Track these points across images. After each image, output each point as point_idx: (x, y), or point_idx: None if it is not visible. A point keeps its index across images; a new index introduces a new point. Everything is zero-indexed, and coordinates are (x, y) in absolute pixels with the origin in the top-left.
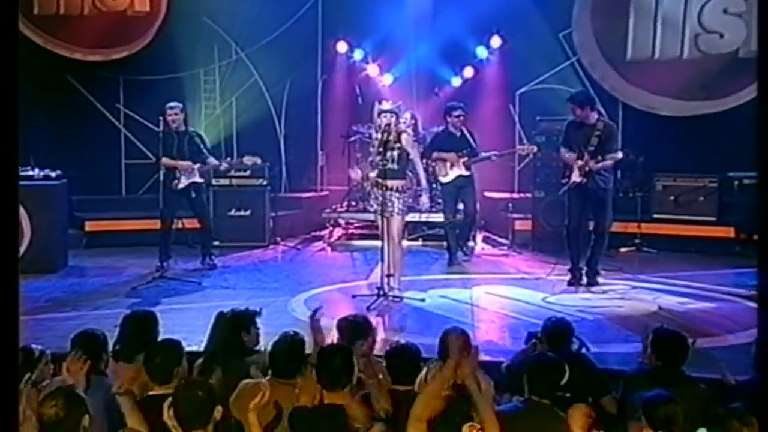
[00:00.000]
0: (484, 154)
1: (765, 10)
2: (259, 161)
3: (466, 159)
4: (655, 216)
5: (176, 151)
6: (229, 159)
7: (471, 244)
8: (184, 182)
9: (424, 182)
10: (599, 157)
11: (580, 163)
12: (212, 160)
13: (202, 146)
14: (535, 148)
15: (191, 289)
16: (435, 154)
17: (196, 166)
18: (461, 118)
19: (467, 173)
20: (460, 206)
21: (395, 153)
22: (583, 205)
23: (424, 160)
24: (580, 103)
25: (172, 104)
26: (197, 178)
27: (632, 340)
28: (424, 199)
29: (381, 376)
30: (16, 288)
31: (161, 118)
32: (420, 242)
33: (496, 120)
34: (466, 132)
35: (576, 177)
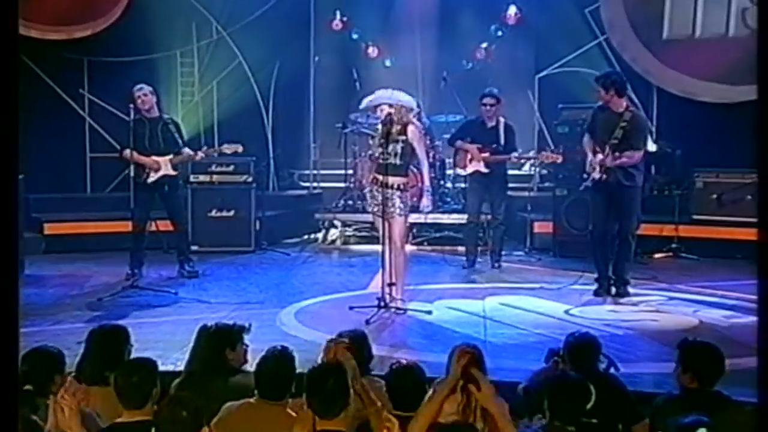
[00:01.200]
0: (501, 156)
1: (765, 10)
2: (240, 149)
3: (487, 155)
4: (695, 217)
5: (148, 141)
6: (205, 147)
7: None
8: (154, 175)
9: (427, 181)
10: (618, 153)
11: (599, 157)
12: (187, 151)
13: (177, 135)
14: (560, 158)
15: (166, 301)
16: (458, 143)
17: (168, 157)
18: (488, 107)
19: (485, 170)
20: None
21: (399, 146)
22: (607, 204)
23: (435, 153)
24: (605, 86)
25: (140, 85)
26: (170, 171)
27: (668, 358)
28: (425, 201)
29: (380, 402)
30: (16, 293)
31: (132, 105)
32: (426, 246)
33: (512, 108)
34: (501, 125)
35: (595, 173)
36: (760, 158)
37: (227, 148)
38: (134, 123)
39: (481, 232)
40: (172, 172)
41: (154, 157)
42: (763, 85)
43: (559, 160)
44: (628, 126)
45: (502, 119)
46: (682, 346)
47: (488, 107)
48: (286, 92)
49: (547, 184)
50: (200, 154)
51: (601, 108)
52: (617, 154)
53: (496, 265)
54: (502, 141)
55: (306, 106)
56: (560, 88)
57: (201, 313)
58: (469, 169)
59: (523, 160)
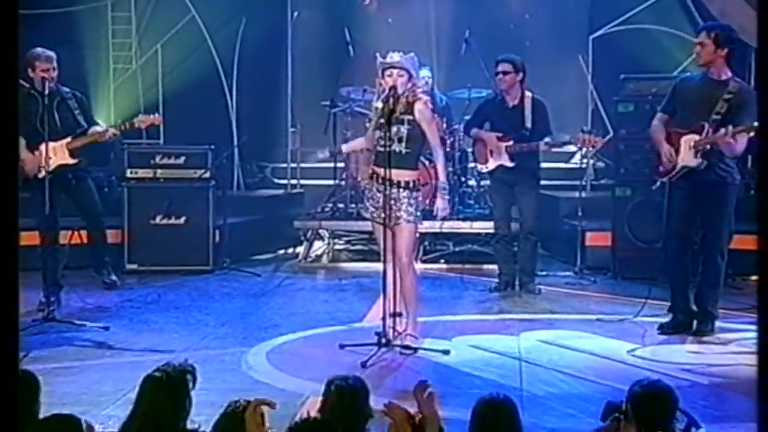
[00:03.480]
0: (526, 144)
1: (765, 10)
2: (158, 120)
3: (510, 144)
4: None
5: (41, 122)
6: (118, 123)
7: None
8: (48, 167)
9: (443, 176)
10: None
11: (695, 137)
12: (94, 129)
13: (79, 113)
14: (600, 142)
15: (94, 337)
16: (474, 131)
17: (64, 141)
18: (502, 76)
19: (510, 164)
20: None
21: (405, 130)
22: (690, 208)
23: (454, 140)
24: (717, 40)
25: (41, 50)
26: (68, 159)
27: None
28: (440, 204)
29: None
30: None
31: (31, 75)
32: (442, 264)
33: (557, 80)
34: (527, 102)
35: (689, 159)
36: (761, 159)
37: (141, 121)
38: (24, 98)
39: (515, 245)
40: (71, 161)
41: (52, 144)
42: (763, 85)
43: (599, 145)
44: (734, 100)
45: (529, 94)
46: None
47: (502, 77)
48: (256, 59)
49: (604, 182)
50: (111, 131)
51: (690, 80)
52: (723, 131)
53: (532, 288)
54: (528, 123)
55: (282, 78)
56: (622, 52)
57: (141, 354)
58: (491, 165)
59: (558, 147)
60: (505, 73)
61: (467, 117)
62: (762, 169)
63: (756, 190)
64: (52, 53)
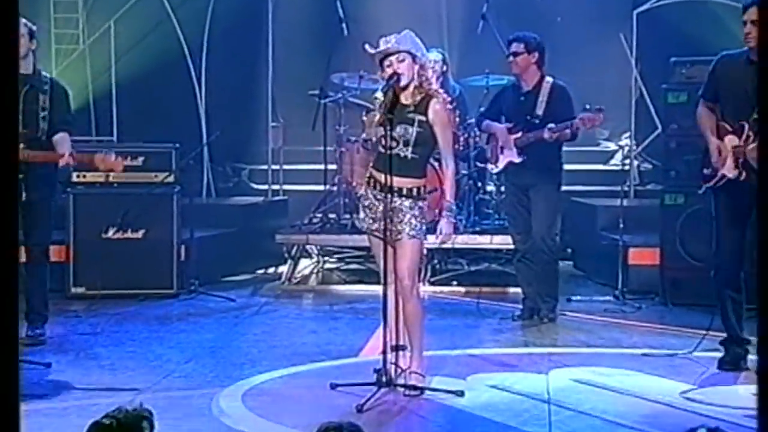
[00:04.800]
0: (532, 134)
1: (765, 10)
2: (118, 166)
3: (519, 136)
4: None
5: None
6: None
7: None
8: None
9: (450, 193)
10: None
11: (735, 140)
12: (57, 137)
13: (44, 114)
14: (599, 119)
15: (33, 377)
16: (485, 124)
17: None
18: (512, 58)
19: (517, 159)
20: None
21: (413, 132)
22: (740, 221)
23: (468, 137)
24: None
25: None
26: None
27: None
28: (445, 227)
29: None
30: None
31: None
32: (455, 287)
33: (594, 65)
34: (544, 87)
35: (728, 167)
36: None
37: (100, 161)
38: None
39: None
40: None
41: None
42: (763, 85)
43: (598, 122)
44: None
45: (549, 79)
46: None
47: (513, 59)
48: (229, 39)
49: (650, 187)
50: (66, 157)
51: (732, 57)
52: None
53: (548, 315)
54: (540, 110)
55: (260, 62)
56: (672, 29)
57: (90, 397)
58: (501, 163)
59: (557, 134)
60: (515, 54)
61: (483, 109)
62: (762, 169)
63: (758, 192)
64: (26, 22)
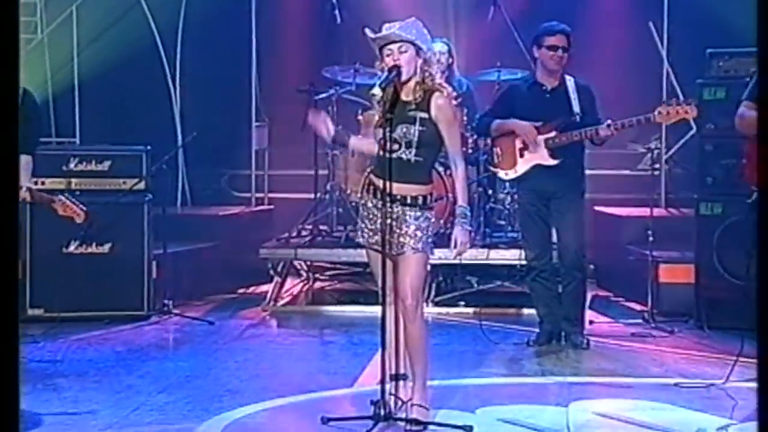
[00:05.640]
0: (573, 133)
1: (765, 10)
2: (79, 217)
3: (552, 135)
4: None
5: None
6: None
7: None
8: None
9: (463, 197)
10: None
11: None
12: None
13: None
14: (693, 110)
15: None
16: (498, 123)
17: None
18: (556, 53)
19: (551, 162)
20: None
21: (416, 131)
22: None
23: (478, 138)
24: None
25: None
26: None
27: None
28: (460, 236)
29: None
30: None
31: None
32: (463, 308)
33: (619, 57)
34: (571, 86)
35: None
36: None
37: (61, 204)
38: None
39: (558, 281)
40: None
41: None
42: (763, 87)
43: (691, 114)
44: None
45: (570, 78)
46: None
47: (553, 54)
48: (207, 28)
49: (684, 195)
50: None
51: None
52: None
53: (578, 341)
54: (577, 107)
55: (243, 54)
56: (709, 16)
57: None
58: (522, 167)
59: (601, 135)
60: (563, 49)
61: (488, 108)
62: (762, 171)
63: (758, 193)
64: None
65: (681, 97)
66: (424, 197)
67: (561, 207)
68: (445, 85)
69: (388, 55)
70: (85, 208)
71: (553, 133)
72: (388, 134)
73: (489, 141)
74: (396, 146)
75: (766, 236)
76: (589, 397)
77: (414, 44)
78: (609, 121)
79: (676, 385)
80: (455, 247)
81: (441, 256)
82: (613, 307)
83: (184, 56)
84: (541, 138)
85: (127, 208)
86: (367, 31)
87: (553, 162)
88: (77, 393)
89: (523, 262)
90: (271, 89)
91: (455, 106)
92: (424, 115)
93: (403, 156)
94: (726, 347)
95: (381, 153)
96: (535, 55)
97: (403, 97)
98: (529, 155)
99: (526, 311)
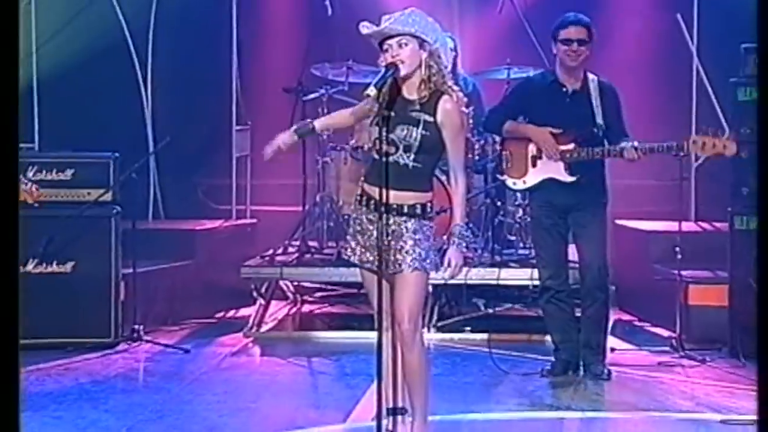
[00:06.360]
0: (597, 150)
1: (765, 10)
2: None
3: (571, 148)
4: None
5: None
6: None
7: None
8: None
9: (460, 215)
10: None
11: None
12: None
13: None
14: (732, 146)
15: None
16: (510, 125)
17: None
18: (574, 47)
19: (568, 178)
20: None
21: (418, 135)
22: None
23: (485, 143)
24: None
25: None
26: None
27: None
28: (454, 257)
29: None
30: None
31: None
32: (469, 335)
33: (644, 52)
34: (592, 86)
35: None
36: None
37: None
38: None
39: (576, 304)
40: None
41: None
42: (763, 85)
43: (729, 151)
44: None
45: (592, 76)
46: None
47: (574, 48)
48: (182, 21)
49: (716, 207)
50: None
51: None
52: None
53: (599, 372)
54: (600, 118)
55: (222, 49)
56: (743, 8)
57: None
58: (532, 178)
59: (626, 157)
60: (580, 42)
61: (497, 104)
62: (762, 172)
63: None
64: None
65: (718, 108)
66: (423, 206)
67: (581, 220)
68: (455, 87)
69: (386, 51)
70: (37, 186)
71: (571, 146)
72: (385, 137)
73: (498, 142)
74: (393, 149)
75: (766, 237)
76: None
77: (416, 36)
78: (636, 143)
79: (706, 419)
80: (447, 268)
81: (443, 275)
82: (638, 333)
83: (157, 52)
84: (559, 149)
85: (92, 222)
86: (363, 26)
87: (569, 179)
88: (36, 429)
89: (537, 282)
90: (254, 89)
91: (463, 112)
92: (429, 118)
93: (400, 160)
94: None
95: (376, 157)
96: (554, 51)
97: (406, 94)
98: (543, 166)
99: (539, 337)
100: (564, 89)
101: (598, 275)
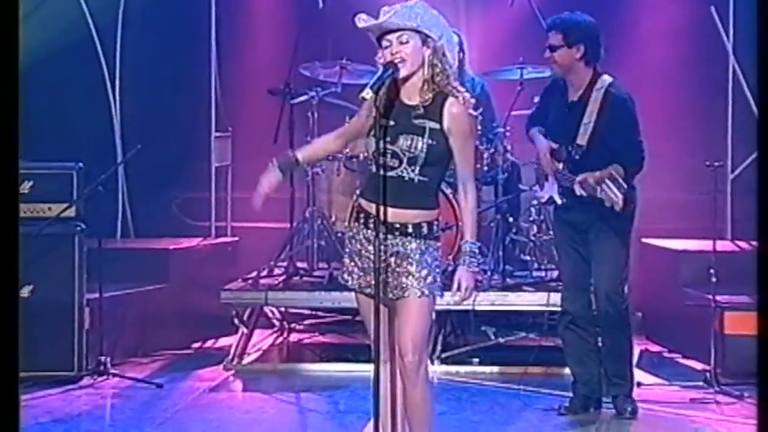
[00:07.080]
0: (568, 177)
1: (765, 10)
2: None
3: (559, 167)
4: None
5: None
6: None
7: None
8: None
9: (471, 231)
10: None
11: None
12: None
13: None
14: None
15: None
16: (531, 132)
17: None
18: (549, 52)
19: (558, 200)
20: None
21: (423, 145)
22: None
23: (495, 152)
24: None
25: None
26: None
27: None
28: (464, 278)
29: None
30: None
31: None
32: (477, 367)
33: (672, 51)
34: (595, 98)
35: None
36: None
37: None
38: None
39: (597, 332)
40: None
41: None
42: (763, 86)
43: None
44: None
45: (603, 84)
46: None
47: (549, 54)
48: (155, 14)
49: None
50: None
51: None
52: None
53: (623, 408)
54: (584, 139)
55: (200, 48)
56: None
57: None
58: (544, 193)
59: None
60: (552, 48)
61: (527, 113)
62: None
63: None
64: None
65: (755, 110)
66: (430, 225)
67: (597, 238)
68: (461, 89)
69: (385, 48)
70: None
71: (560, 165)
72: (383, 148)
73: (510, 151)
74: (395, 162)
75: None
76: None
77: (418, 32)
78: (582, 177)
79: None
80: (457, 291)
81: (449, 300)
82: (667, 365)
83: (126, 49)
84: (553, 166)
85: (52, 241)
86: (359, 20)
87: (560, 201)
88: None
89: (553, 308)
90: (236, 92)
91: (472, 116)
92: (435, 125)
93: (405, 175)
94: None
95: (373, 171)
96: None
97: (405, 99)
98: (550, 182)
99: (556, 370)
100: (565, 99)
101: (609, 300)
